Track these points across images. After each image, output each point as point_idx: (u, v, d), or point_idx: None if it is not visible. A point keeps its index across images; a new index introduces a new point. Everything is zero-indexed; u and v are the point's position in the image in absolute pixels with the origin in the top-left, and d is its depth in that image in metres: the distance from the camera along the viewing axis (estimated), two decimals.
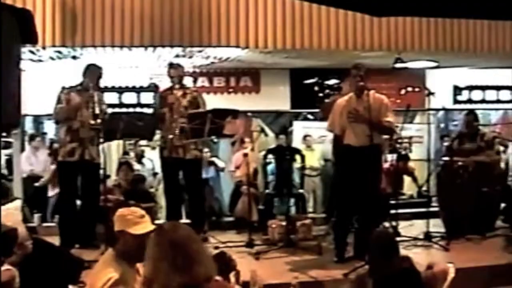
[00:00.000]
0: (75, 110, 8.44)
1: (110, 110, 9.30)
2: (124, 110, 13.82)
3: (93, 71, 8.69)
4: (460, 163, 9.47)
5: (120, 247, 4.14)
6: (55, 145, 10.09)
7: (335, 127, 8.01)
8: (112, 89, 13.95)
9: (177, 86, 8.92)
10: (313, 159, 12.74)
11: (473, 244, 8.88)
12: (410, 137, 13.15)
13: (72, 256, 6.95)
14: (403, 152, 11.69)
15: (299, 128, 13.88)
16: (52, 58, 11.93)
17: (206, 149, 11.12)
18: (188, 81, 9.24)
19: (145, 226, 4.22)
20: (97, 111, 8.42)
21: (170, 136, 8.72)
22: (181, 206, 9.55)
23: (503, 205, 10.10)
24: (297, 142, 13.16)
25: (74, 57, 11.58)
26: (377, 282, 3.94)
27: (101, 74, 8.75)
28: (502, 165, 10.65)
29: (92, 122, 8.39)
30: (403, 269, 4.04)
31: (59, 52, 11.33)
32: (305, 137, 13.10)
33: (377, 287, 3.94)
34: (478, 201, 9.25)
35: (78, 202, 8.89)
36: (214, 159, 12.23)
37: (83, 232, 8.46)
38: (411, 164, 11.99)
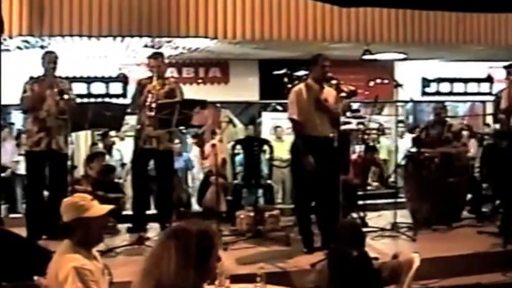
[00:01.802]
0: (40, 99, 8.37)
1: (78, 100, 9.24)
2: (92, 100, 13.71)
3: (49, 59, 8.60)
4: (426, 154, 9.53)
5: (78, 235, 4.10)
6: (23, 136, 10.01)
7: (299, 115, 7.83)
8: (81, 79, 13.86)
9: (156, 76, 8.82)
10: (283, 150, 12.76)
11: (440, 235, 8.95)
12: (378, 129, 13.27)
13: (38, 247, 6.90)
14: (371, 144, 11.74)
15: (268, 119, 13.92)
16: (19, 48, 11.83)
17: (176, 140, 11.10)
18: (166, 72, 9.15)
19: (100, 207, 4.21)
20: (57, 94, 8.35)
21: (145, 126, 8.64)
22: (149, 197, 9.52)
23: (469, 196, 10.17)
24: (266, 133, 13.20)
25: (42, 47, 11.47)
26: (334, 271, 3.96)
27: (56, 61, 8.64)
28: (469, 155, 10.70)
29: (54, 105, 8.32)
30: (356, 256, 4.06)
31: (27, 41, 11.24)
32: (275, 128, 13.12)
33: (334, 275, 3.95)
34: (445, 192, 9.31)
35: (46, 193, 8.84)
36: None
37: (50, 223, 8.39)
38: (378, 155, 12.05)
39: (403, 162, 10.10)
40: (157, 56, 9.01)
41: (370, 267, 4.01)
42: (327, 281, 4.00)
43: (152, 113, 8.19)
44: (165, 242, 3.25)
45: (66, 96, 8.45)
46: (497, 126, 9.37)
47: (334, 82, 7.81)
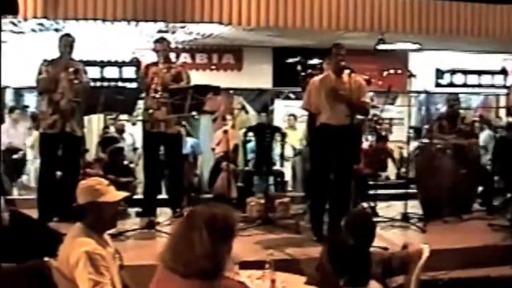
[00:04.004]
0: (55, 81, 8.39)
1: (92, 84, 9.25)
2: (105, 84, 13.73)
3: (65, 42, 8.63)
4: (439, 146, 9.50)
5: (91, 219, 4.13)
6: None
7: (311, 106, 7.96)
8: (94, 63, 13.88)
9: (162, 60, 8.84)
10: (295, 139, 12.77)
11: (450, 226, 8.92)
12: (391, 119, 13.26)
13: (49, 229, 6.93)
14: (383, 133, 11.73)
15: (280, 107, 13.90)
16: (33, 30, 11.86)
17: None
18: (171, 57, 9.17)
19: (116, 193, 4.25)
20: (73, 76, 8.37)
21: (152, 111, 8.65)
22: (160, 181, 9.54)
23: (480, 188, 10.15)
24: (278, 121, 13.19)
25: (56, 30, 11.50)
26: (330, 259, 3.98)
27: (73, 44, 8.66)
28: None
29: (68, 88, 8.34)
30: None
31: (41, 24, 11.27)
32: (288, 116, 13.11)
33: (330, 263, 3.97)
34: (456, 184, 9.29)
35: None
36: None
37: (62, 205, 8.41)
38: (390, 145, 12.04)
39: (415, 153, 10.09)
40: (162, 40, 9.04)
41: (365, 258, 4.01)
42: (322, 269, 4.01)
43: (162, 99, 8.19)
44: (193, 224, 3.36)
45: (76, 81, 8.46)
46: (510, 119, 9.34)
47: (347, 71, 7.81)
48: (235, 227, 3.49)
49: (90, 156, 10.52)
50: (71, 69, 8.44)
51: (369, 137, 11.15)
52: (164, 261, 3.42)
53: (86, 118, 9.39)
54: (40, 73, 8.49)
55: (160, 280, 3.49)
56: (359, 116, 8.50)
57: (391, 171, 12.69)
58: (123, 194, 4.33)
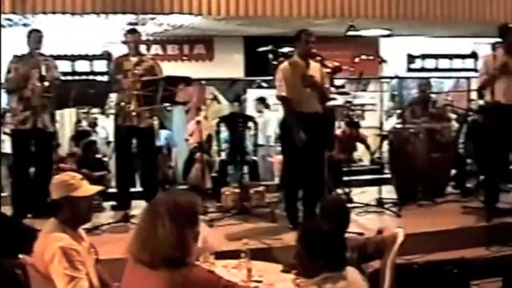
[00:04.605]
0: (24, 78, 8.33)
1: (62, 78, 9.18)
2: (76, 78, 13.65)
3: (34, 37, 8.57)
4: (411, 130, 9.55)
5: (65, 214, 4.11)
6: (8, 115, 9.96)
7: (288, 92, 7.83)
8: (65, 57, 13.80)
9: (133, 52, 8.80)
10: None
11: (425, 210, 9.00)
12: (363, 105, 13.29)
13: (23, 226, 6.89)
14: (356, 120, 11.76)
15: (253, 96, 13.89)
16: (2, 26, 11.73)
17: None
18: (142, 49, 9.13)
19: (90, 187, 4.24)
20: (43, 72, 8.30)
21: (124, 104, 8.61)
22: (133, 174, 9.51)
23: (453, 171, 10.23)
24: (251, 110, 13.17)
25: (25, 25, 11.40)
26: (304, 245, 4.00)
27: (41, 39, 8.60)
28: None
29: (38, 84, 8.29)
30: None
31: (9, 19, 11.15)
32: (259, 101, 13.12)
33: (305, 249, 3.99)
34: (429, 168, 9.35)
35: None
36: None
37: (36, 201, 8.36)
38: (363, 131, 12.07)
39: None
40: (133, 31, 8.99)
41: (341, 243, 4.03)
42: (298, 255, 4.02)
43: (134, 91, 8.15)
44: (156, 212, 3.39)
45: (53, 74, 8.42)
46: (481, 102, 9.39)
47: (318, 58, 7.82)
48: (198, 214, 3.52)
49: (63, 151, 10.46)
50: (41, 65, 8.37)
51: (342, 124, 11.15)
52: (132, 252, 3.43)
53: (58, 112, 9.32)
54: (8, 71, 8.43)
55: (129, 272, 3.50)
56: (329, 103, 8.51)
57: (364, 156, 12.74)
58: (97, 188, 4.31)
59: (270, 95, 12.36)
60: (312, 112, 7.79)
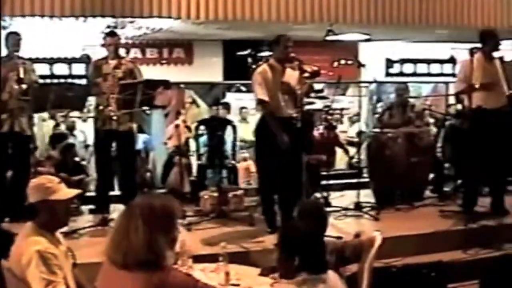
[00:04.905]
0: (3, 80, 8.28)
1: (41, 81, 9.14)
2: (55, 81, 13.60)
3: (11, 39, 8.52)
4: (389, 135, 9.59)
5: (43, 218, 4.09)
6: None
7: (266, 96, 7.76)
8: (43, 60, 13.76)
9: (112, 55, 8.76)
10: (248, 132, 12.76)
11: (403, 214, 9.01)
12: (342, 109, 13.35)
13: (1, 230, 6.85)
14: (334, 124, 11.80)
15: (232, 100, 13.91)
16: None
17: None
18: (121, 52, 9.10)
19: (68, 191, 4.23)
20: (21, 75, 8.26)
21: (103, 107, 8.58)
22: (112, 178, 9.48)
23: (431, 175, 10.28)
24: (230, 114, 13.19)
25: (3, 28, 11.34)
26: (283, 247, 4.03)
27: (20, 42, 8.55)
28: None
29: (16, 87, 8.24)
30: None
31: None
32: (241, 109, 13.11)
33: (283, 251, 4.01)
34: (408, 172, 9.39)
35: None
36: None
37: (13, 205, 8.31)
38: (341, 135, 12.13)
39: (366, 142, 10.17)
40: (113, 34, 8.94)
41: (319, 245, 4.05)
42: (278, 258, 4.05)
43: (113, 95, 8.13)
44: (130, 214, 3.41)
45: (31, 77, 8.38)
46: (460, 106, 9.44)
47: (296, 62, 7.83)
48: (174, 219, 3.52)
49: (41, 154, 10.41)
50: (19, 68, 8.32)
51: (320, 127, 11.18)
52: (107, 254, 3.43)
53: (36, 116, 9.28)
54: None
55: (104, 274, 3.50)
56: (308, 107, 8.53)
57: (342, 160, 12.78)
58: (74, 191, 4.30)
59: (249, 99, 12.40)
60: (288, 116, 7.80)
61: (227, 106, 13.44)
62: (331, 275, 3.96)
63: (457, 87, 8.76)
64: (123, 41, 9.77)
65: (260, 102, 7.87)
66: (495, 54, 8.36)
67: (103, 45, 8.96)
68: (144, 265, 3.29)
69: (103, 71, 8.60)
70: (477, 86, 8.17)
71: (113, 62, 8.65)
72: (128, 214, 3.42)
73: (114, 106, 8.26)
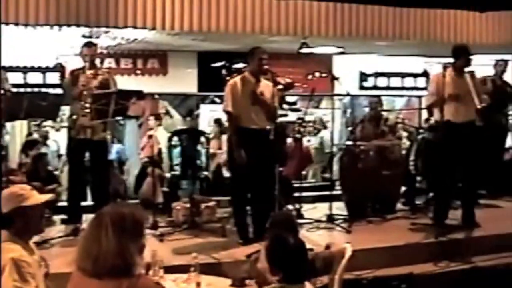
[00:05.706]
0: None
1: (14, 90, 9.11)
2: (29, 90, 13.53)
3: None
4: (362, 147, 9.65)
5: (17, 226, 4.09)
6: None
7: (233, 107, 7.85)
8: (17, 68, 13.70)
9: (88, 66, 8.73)
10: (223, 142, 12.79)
11: (375, 226, 9.06)
12: (314, 122, 13.40)
13: None
14: (299, 135, 11.82)
15: (206, 111, 13.92)
16: None
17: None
18: (96, 62, 9.08)
19: (40, 196, 4.23)
20: None
21: (77, 117, 8.55)
22: (85, 188, 9.45)
23: (403, 188, 10.34)
24: (204, 125, 13.19)
25: None
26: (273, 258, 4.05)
27: None
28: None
29: None
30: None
31: None
32: (216, 121, 13.15)
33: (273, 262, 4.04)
34: (380, 185, 9.45)
35: None
36: None
37: None
38: (309, 147, 12.17)
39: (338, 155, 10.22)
40: (90, 45, 8.93)
41: (306, 256, 4.11)
42: (268, 269, 4.07)
43: (87, 104, 8.13)
44: (100, 222, 3.42)
45: (4, 86, 8.33)
46: (432, 120, 9.52)
47: (270, 74, 7.88)
48: (143, 226, 3.54)
49: (13, 163, 10.36)
50: None
51: (290, 140, 11.21)
52: (77, 262, 3.43)
53: (8, 124, 9.23)
54: None
55: (73, 282, 3.50)
56: (281, 119, 8.58)
57: (312, 172, 12.84)
58: (47, 196, 4.30)
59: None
60: (260, 128, 7.83)
61: (220, 123, 13.44)
62: (307, 286, 4.00)
63: (428, 99, 8.86)
64: (97, 50, 9.75)
65: (225, 113, 7.96)
66: (466, 69, 8.45)
67: (79, 55, 8.94)
68: (114, 272, 3.29)
69: (79, 81, 8.58)
70: (446, 96, 8.27)
71: (89, 72, 8.64)
72: (98, 222, 3.42)
73: (88, 116, 8.25)
